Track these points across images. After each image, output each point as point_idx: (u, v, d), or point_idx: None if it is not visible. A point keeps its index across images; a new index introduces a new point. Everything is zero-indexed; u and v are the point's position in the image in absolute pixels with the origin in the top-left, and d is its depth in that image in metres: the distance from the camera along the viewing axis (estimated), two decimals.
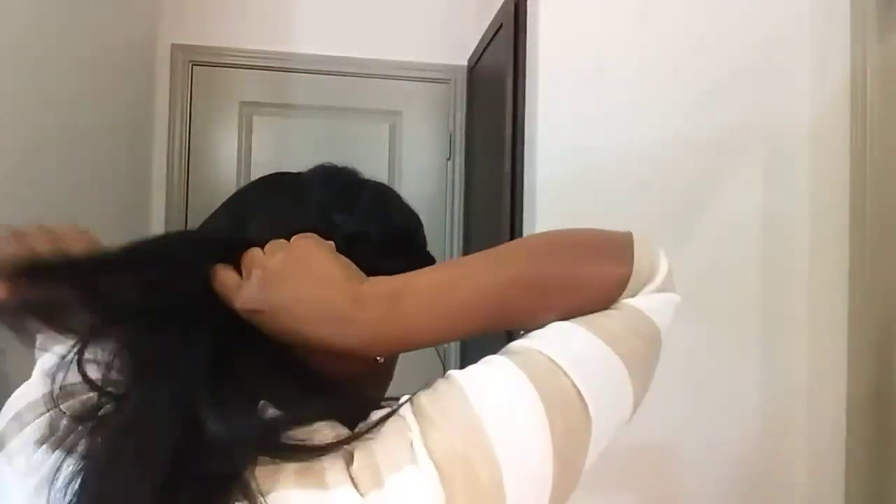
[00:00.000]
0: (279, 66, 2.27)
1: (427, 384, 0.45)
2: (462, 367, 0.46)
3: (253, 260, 0.47)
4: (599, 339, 0.46)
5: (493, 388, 0.43)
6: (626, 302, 0.49)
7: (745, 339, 1.49)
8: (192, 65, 2.24)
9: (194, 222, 2.24)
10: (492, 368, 0.45)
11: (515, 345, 0.47)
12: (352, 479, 0.39)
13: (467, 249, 2.29)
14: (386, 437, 0.41)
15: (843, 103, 1.43)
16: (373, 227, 0.54)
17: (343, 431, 0.43)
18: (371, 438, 0.42)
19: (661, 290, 0.51)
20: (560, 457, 0.42)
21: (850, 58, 1.42)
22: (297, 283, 0.46)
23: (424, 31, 2.34)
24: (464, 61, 2.33)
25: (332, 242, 0.49)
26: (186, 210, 2.23)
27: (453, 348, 2.23)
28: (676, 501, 1.46)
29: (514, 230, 1.59)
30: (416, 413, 0.42)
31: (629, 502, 1.44)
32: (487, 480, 0.39)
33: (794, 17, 1.51)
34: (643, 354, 0.48)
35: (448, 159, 2.39)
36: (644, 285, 0.50)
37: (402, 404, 0.44)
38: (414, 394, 0.44)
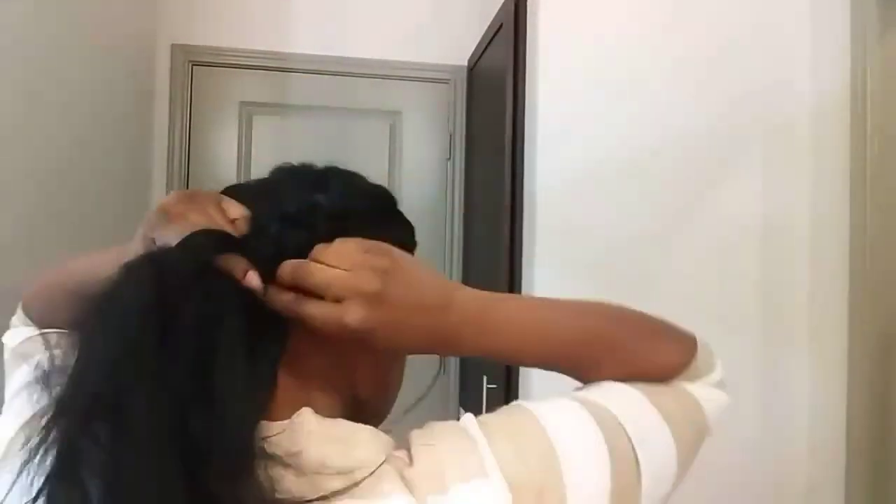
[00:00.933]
0: (279, 66, 2.27)
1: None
2: (462, 366, 0.47)
3: (337, 281, 0.44)
4: (659, 414, 0.48)
5: (568, 428, 0.44)
6: (682, 384, 0.52)
7: (745, 340, 1.49)
8: (192, 65, 2.24)
9: None
10: (563, 405, 0.47)
11: (582, 395, 0.49)
12: (405, 482, 0.40)
13: (467, 249, 2.29)
14: (451, 445, 0.42)
15: (843, 103, 1.43)
16: (356, 201, 0.53)
17: (386, 437, 0.44)
18: (432, 444, 0.42)
19: (716, 386, 0.54)
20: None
21: (850, 58, 1.42)
22: (407, 296, 0.45)
23: (424, 31, 2.34)
24: (464, 61, 2.33)
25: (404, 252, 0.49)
26: None
27: None
28: (675, 502, 1.45)
29: (514, 230, 1.59)
30: (483, 428, 0.43)
31: None
32: None
33: (794, 17, 1.51)
34: (690, 437, 0.50)
35: (448, 159, 2.39)
36: (701, 377, 0.53)
37: (468, 417, 0.45)
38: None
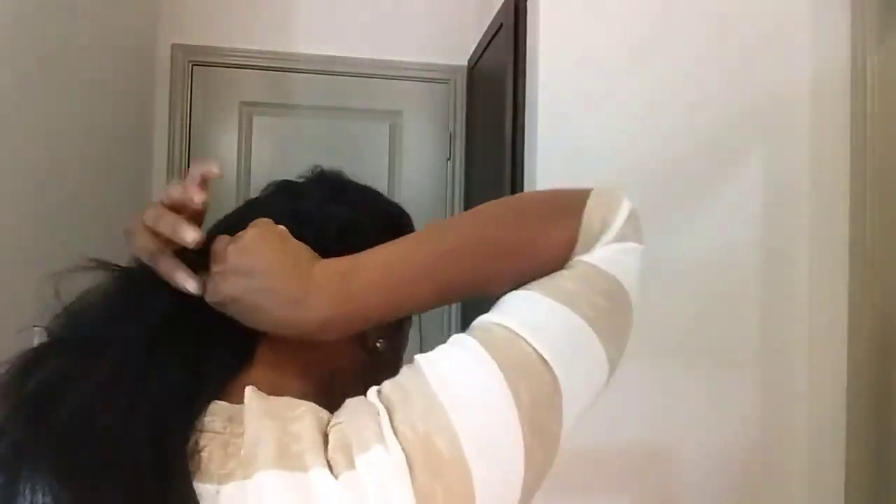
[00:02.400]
0: (279, 66, 2.27)
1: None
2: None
3: (216, 253, 0.49)
4: (556, 302, 0.46)
5: (451, 366, 0.44)
6: (579, 259, 0.49)
7: (745, 339, 1.49)
8: (192, 65, 2.24)
9: None
10: (452, 347, 0.46)
11: (478, 320, 0.48)
12: (328, 461, 0.40)
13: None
14: (356, 420, 0.43)
15: (843, 103, 1.43)
16: (364, 215, 0.57)
17: (324, 415, 0.44)
18: (342, 422, 0.43)
19: (617, 239, 0.50)
20: (530, 424, 0.42)
21: (850, 58, 1.42)
22: (248, 274, 0.47)
23: (424, 31, 2.34)
24: (464, 61, 2.33)
25: (283, 227, 0.51)
26: None
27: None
28: (675, 501, 1.45)
29: None
30: (381, 397, 0.44)
31: (623, 499, 1.43)
32: (448, 454, 0.40)
33: (794, 17, 1.51)
34: (607, 310, 0.48)
35: (448, 159, 2.39)
36: (597, 238, 0.50)
37: (371, 390, 0.45)
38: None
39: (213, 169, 0.49)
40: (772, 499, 1.47)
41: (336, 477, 0.40)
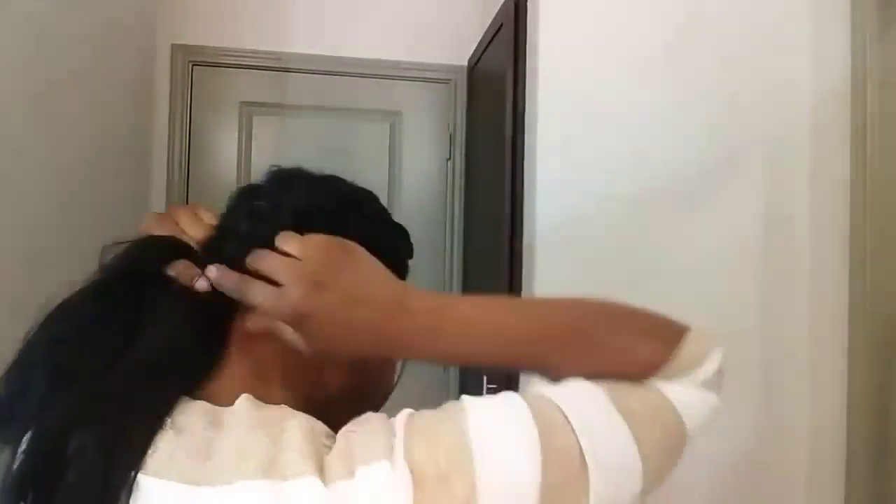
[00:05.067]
0: (279, 66, 2.27)
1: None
2: (462, 380, 0.47)
3: (285, 268, 0.46)
4: (619, 414, 0.45)
5: (494, 421, 0.43)
6: (657, 385, 0.48)
7: (745, 341, 1.49)
8: (192, 65, 2.24)
9: None
10: (502, 402, 0.45)
11: (536, 388, 0.47)
12: (323, 466, 0.40)
13: (467, 250, 2.29)
14: (370, 434, 0.42)
15: (844, 103, 1.43)
16: (319, 198, 0.56)
17: (318, 426, 0.44)
18: (355, 431, 0.43)
19: (701, 386, 0.49)
20: (544, 501, 0.41)
21: (850, 58, 1.42)
22: (349, 284, 0.46)
23: (424, 31, 2.34)
24: (464, 61, 2.33)
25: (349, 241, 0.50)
26: None
27: None
28: (675, 502, 1.45)
29: (514, 230, 1.59)
30: (408, 425, 0.43)
31: None
32: (461, 498, 0.39)
33: (794, 17, 1.51)
34: (660, 444, 0.47)
35: (448, 159, 2.39)
36: (683, 374, 0.49)
37: (403, 413, 0.44)
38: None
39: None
40: (772, 499, 1.47)
41: (326, 483, 0.39)
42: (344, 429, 0.44)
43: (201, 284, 0.48)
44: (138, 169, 2.07)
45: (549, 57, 1.45)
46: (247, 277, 0.47)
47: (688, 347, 0.49)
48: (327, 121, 2.30)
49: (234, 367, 0.50)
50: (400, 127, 2.36)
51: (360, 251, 0.49)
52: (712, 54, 1.49)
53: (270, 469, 0.40)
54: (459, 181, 2.36)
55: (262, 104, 2.29)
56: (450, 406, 0.45)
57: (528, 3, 1.56)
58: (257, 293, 0.46)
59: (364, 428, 0.43)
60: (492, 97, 1.89)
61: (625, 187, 1.45)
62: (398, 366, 0.60)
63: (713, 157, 1.49)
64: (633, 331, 0.50)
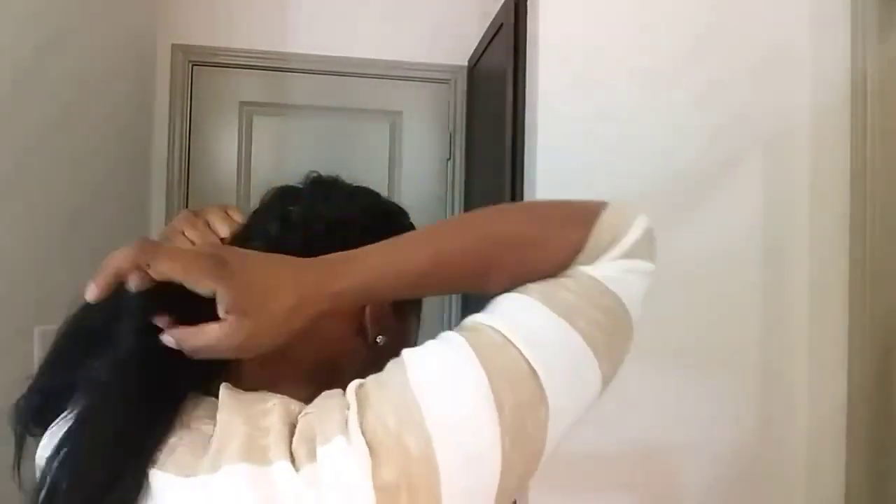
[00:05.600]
0: (279, 66, 2.27)
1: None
2: None
3: (204, 331, 0.44)
4: (554, 313, 0.46)
5: (434, 365, 0.43)
6: (581, 269, 0.49)
7: (745, 339, 1.49)
8: (192, 65, 2.24)
9: None
10: (440, 345, 0.45)
11: (469, 319, 0.47)
12: (291, 453, 0.41)
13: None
14: (325, 412, 0.43)
15: (844, 103, 1.43)
16: (354, 211, 0.57)
17: (295, 407, 0.45)
18: (310, 413, 0.43)
19: (627, 256, 0.50)
20: (510, 430, 0.41)
21: (850, 58, 1.42)
22: (262, 309, 0.44)
23: (424, 31, 2.34)
24: (464, 61, 2.33)
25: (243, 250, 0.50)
26: None
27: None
28: (675, 501, 1.45)
29: None
30: (358, 392, 0.43)
31: (623, 500, 1.43)
32: (417, 453, 0.39)
33: (794, 17, 1.51)
34: (604, 326, 0.47)
35: (448, 159, 2.39)
36: (604, 251, 0.49)
37: (352, 384, 0.45)
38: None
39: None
40: (772, 499, 1.47)
41: (297, 470, 0.40)
42: (303, 411, 0.44)
43: (167, 340, 0.46)
44: (138, 169, 2.07)
45: (549, 57, 1.45)
46: (188, 332, 0.44)
47: (607, 221, 0.49)
48: (327, 121, 2.30)
49: (246, 361, 0.51)
50: (400, 127, 2.36)
51: (244, 258, 0.46)
52: (712, 54, 1.49)
53: (251, 453, 0.41)
54: (459, 181, 2.36)
55: (262, 104, 2.29)
56: (390, 365, 0.45)
57: (528, 3, 1.56)
58: (199, 348, 0.44)
59: (320, 408, 0.44)
60: (492, 97, 1.89)
61: (625, 187, 1.45)
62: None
63: (713, 157, 1.49)
64: (549, 220, 0.49)
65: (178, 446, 0.44)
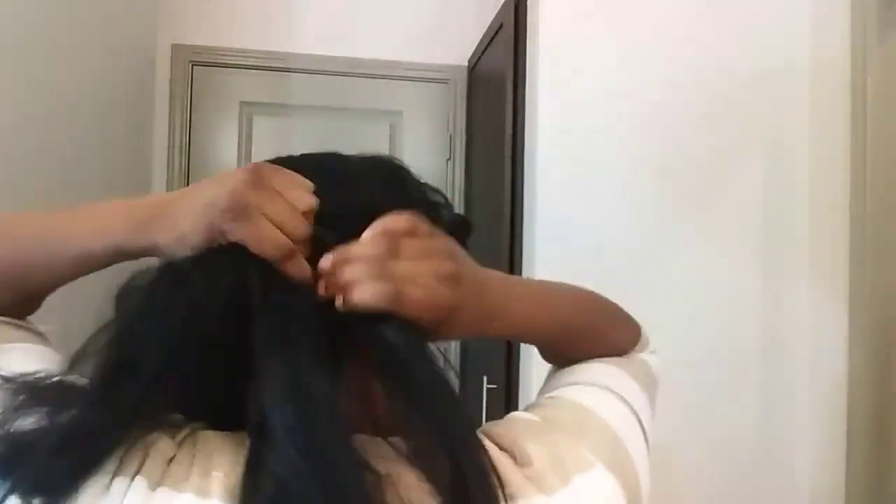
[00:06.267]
0: (279, 66, 2.27)
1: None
2: (462, 366, 0.48)
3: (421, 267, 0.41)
4: (632, 379, 0.57)
5: (613, 412, 0.50)
6: (638, 356, 0.62)
7: (746, 339, 1.49)
8: (192, 65, 2.24)
9: None
10: (600, 396, 0.52)
11: (588, 380, 0.55)
12: (530, 480, 0.40)
13: (467, 250, 2.28)
14: (555, 439, 0.44)
15: (844, 103, 1.43)
16: (461, 217, 0.59)
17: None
18: (538, 442, 0.44)
19: (652, 352, 0.66)
20: (646, 454, 0.52)
21: (850, 58, 1.42)
22: (475, 271, 0.46)
23: (424, 31, 2.34)
24: (464, 61, 2.33)
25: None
26: None
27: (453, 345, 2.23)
28: (675, 501, 1.45)
29: (514, 230, 1.59)
30: (548, 420, 0.47)
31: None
32: (634, 482, 0.46)
33: (795, 18, 1.51)
34: (652, 389, 0.61)
35: (448, 160, 2.39)
36: (644, 350, 0.64)
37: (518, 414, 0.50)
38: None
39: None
40: (773, 498, 1.47)
41: (549, 495, 0.40)
42: (521, 439, 0.43)
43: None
44: (138, 169, 2.07)
45: (549, 57, 1.45)
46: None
47: (643, 332, 0.64)
48: (327, 121, 2.30)
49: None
50: (400, 127, 2.36)
51: (450, 241, 0.46)
52: (713, 54, 1.49)
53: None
54: (459, 181, 2.36)
55: (262, 104, 2.29)
56: (548, 402, 0.51)
57: (528, 3, 1.56)
58: (413, 297, 0.40)
59: (543, 437, 0.45)
60: (492, 97, 1.89)
61: (625, 186, 1.45)
62: None
63: (713, 156, 1.49)
64: (618, 319, 0.62)
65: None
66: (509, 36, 1.66)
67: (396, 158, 0.60)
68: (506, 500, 0.38)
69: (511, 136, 1.63)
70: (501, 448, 0.42)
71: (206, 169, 2.26)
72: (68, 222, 0.49)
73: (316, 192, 0.44)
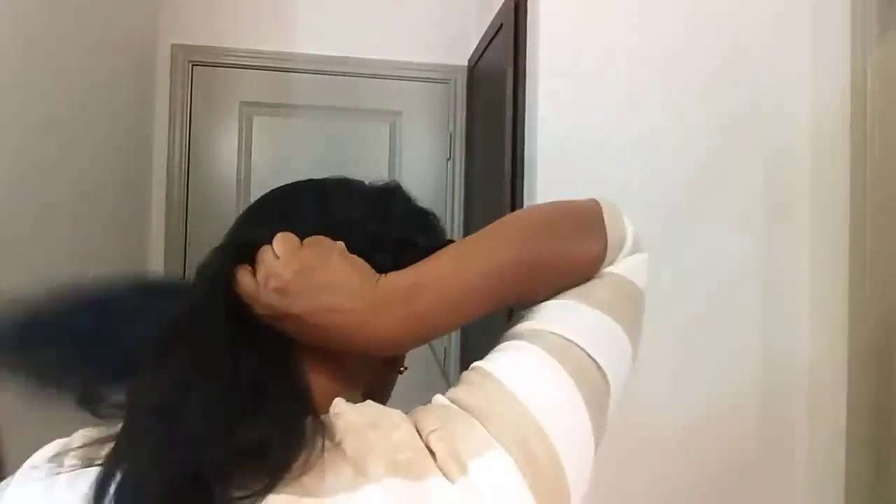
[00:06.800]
0: (279, 66, 2.27)
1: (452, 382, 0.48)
2: (462, 363, 0.47)
3: (265, 264, 0.47)
4: (597, 310, 0.51)
5: (525, 373, 0.47)
6: (608, 270, 0.55)
7: (745, 339, 1.49)
8: (192, 65, 2.24)
9: (194, 222, 2.24)
10: (516, 354, 0.48)
11: (524, 329, 0.50)
12: (440, 468, 0.42)
13: None
14: (453, 427, 0.44)
15: (844, 103, 1.43)
16: (416, 234, 0.56)
17: (410, 422, 0.45)
18: (437, 429, 0.44)
19: (631, 252, 0.56)
20: (594, 420, 0.47)
21: (850, 58, 1.42)
22: (313, 292, 0.46)
23: (424, 31, 2.34)
24: (464, 61, 2.33)
25: (341, 243, 0.50)
26: (186, 210, 2.23)
27: (454, 349, 2.23)
28: (675, 500, 1.45)
29: None
30: (460, 405, 0.45)
31: (626, 500, 1.43)
32: (545, 456, 0.43)
33: (795, 17, 1.51)
34: (632, 312, 0.54)
35: (448, 159, 2.39)
36: (619, 252, 0.55)
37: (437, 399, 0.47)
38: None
39: None
40: (772, 499, 1.47)
41: (453, 482, 0.41)
42: (426, 428, 0.44)
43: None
44: (138, 169, 2.07)
45: (549, 57, 1.45)
46: (245, 275, 0.47)
47: (610, 229, 0.55)
48: (327, 121, 2.31)
49: (312, 375, 0.49)
50: (400, 127, 2.36)
51: (332, 254, 0.48)
52: (713, 56, 1.49)
53: (397, 468, 0.41)
54: (459, 181, 2.36)
55: (262, 104, 2.29)
56: (475, 377, 0.47)
57: (528, 3, 1.56)
58: (240, 285, 0.46)
59: (444, 424, 0.44)
60: (492, 97, 1.89)
61: (624, 187, 1.45)
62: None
63: (713, 159, 1.49)
64: (569, 237, 0.54)
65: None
66: (509, 36, 1.66)
67: (396, 183, 0.61)
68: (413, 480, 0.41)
69: (511, 136, 1.63)
70: (420, 434, 0.44)
71: (206, 169, 2.26)
72: None
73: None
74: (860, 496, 1.35)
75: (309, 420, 0.43)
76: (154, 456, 0.40)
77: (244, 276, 0.46)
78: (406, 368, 0.61)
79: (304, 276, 0.46)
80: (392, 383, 0.61)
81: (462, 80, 2.35)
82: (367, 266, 0.49)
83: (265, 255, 0.47)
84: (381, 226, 0.54)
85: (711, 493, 1.46)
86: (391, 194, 0.59)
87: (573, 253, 0.53)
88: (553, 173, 1.45)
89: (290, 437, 0.42)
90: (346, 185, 0.59)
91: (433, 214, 0.62)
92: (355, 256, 0.49)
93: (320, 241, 0.49)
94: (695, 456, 1.45)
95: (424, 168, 2.38)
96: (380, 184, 0.60)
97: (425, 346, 0.61)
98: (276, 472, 0.40)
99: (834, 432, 1.41)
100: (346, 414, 0.45)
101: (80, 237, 1.49)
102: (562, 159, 1.45)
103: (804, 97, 1.51)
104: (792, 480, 1.47)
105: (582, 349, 0.48)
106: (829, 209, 1.46)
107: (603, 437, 0.48)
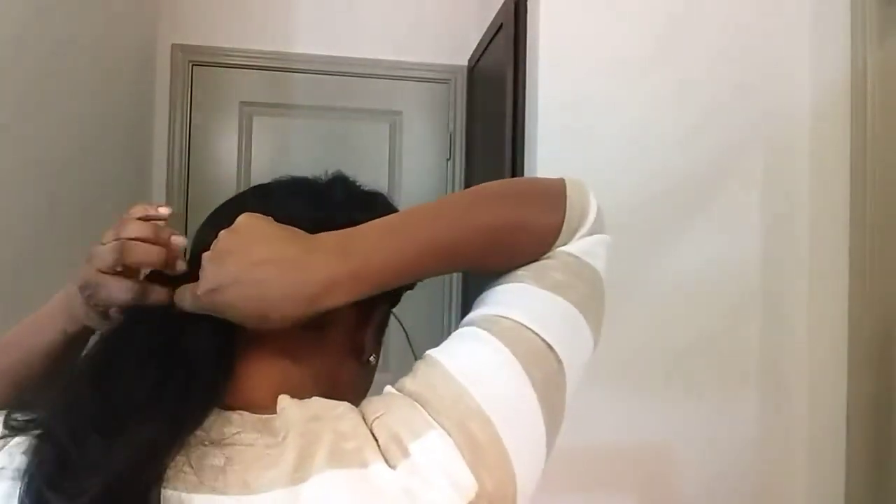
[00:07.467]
0: (279, 66, 2.27)
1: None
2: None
3: (202, 271, 0.48)
4: (550, 292, 0.51)
5: (470, 357, 0.47)
6: (561, 250, 0.54)
7: (745, 340, 1.49)
8: (192, 65, 2.24)
9: (194, 222, 2.23)
10: (465, 341, 0.49)
11: (476, 315, 0.51)
12: (382, 454, 0.42)
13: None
14: (397, 412, 0.45)
15: (844, 103, 1.43)
16: (360, 214, 0.56)
17: (358, 411, 0.46)
18: (381, 415, 0.44)
19: (591, 232, 0.56)
20: (545, 402, 0.46)
21: (850, 58, 1.42)
22: (243, 250, 0.46)
23: (424, 31, 2.34)
24: (464, 61, 2.33)
25: (270, 217, 0.50)
26: (186, 210, 2.23)
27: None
28: (675, 501, 1.46)
29: None
30: (406, 392, 0.46)
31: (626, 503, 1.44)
32: (484, 438, 0.43)
33: (795, 17, 1.51)
34: (589, 294, 0.53)
35: (448, 159, 2.39)
36: (576, 231, 0.55)
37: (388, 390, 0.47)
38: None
39: (161, 210, 0.54)
40: (772, 499, 1.47)
41: (394, 468, 0.41)
42: (370, 416, 0.45)
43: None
44: (138, 169, 2.07)
45: (549, 57, 1.45)
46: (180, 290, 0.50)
47: (572, 204, 0.54)
48: (327, 121, 2.30)
49: (255, 371, 0.50)
50: (400, 127, 2.36)
51: (263, 219, 0.49)
52: (712, 52, 1.49)
53: (341, 458, 0.41)
54: (459, 181, 2.36)
55: (262, 104, 2.29)
56: (423, 366, 0.48)
57: (528, 3, 1.56)
58: (177, 298, 0.49)
59: (388, 410, 0.45)
60: (492, 97, 1.89)
61: (624, 187, 1.45)
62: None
63: (713, 158, 1.49)
64: (530, 205, 0.54)
65: (227, 465, 0.42)
66: (509, 36, 1.66)
67: (339, 173, 0.62)
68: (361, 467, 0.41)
69: (511, 136, 1.63)
70: (366, 422, 0.45)
71: (207, 169, 2.26)
72: None
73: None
74: (860, 495, 1.35)
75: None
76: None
77: (179, 296, 0.49)
78: (376, 357, 0.59)
79: (234, 240, 0.47)
80: (364, 380, 0.59)
81: (462, 80, 2.35)
82: (299, 231, 0.49)
83: (203, 262, 0.48)
84: (325, 213, 0.55)
85: (711, 493, 1.46)
86: (332, 183, 0.60)
87: (528, 220, 0.53)
88: (553, 173, 1.45)
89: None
90: (290, 183, 0.60)
91: (381, 195, 0.62)
92: (286, 225, 0.50)
93: (249, 215, 0.49)
94: (694, 456, 1.45)
95: (424, 168, 2.38)
96: (325, 178, 0.61)
97: (406, 349, 0.62)
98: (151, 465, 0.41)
99: (834, 432, 1.41)
100: (290, 409, 0.45)
101: (79, 237, 1.49)
102: (562, 159, 1.45)
103: (804, 97, 1.51)
104: (792, 480, 1.47)
105: (532, 331, 0.48)
106: (829, 210, 1.46)
107: (561, 419, 0.48)
